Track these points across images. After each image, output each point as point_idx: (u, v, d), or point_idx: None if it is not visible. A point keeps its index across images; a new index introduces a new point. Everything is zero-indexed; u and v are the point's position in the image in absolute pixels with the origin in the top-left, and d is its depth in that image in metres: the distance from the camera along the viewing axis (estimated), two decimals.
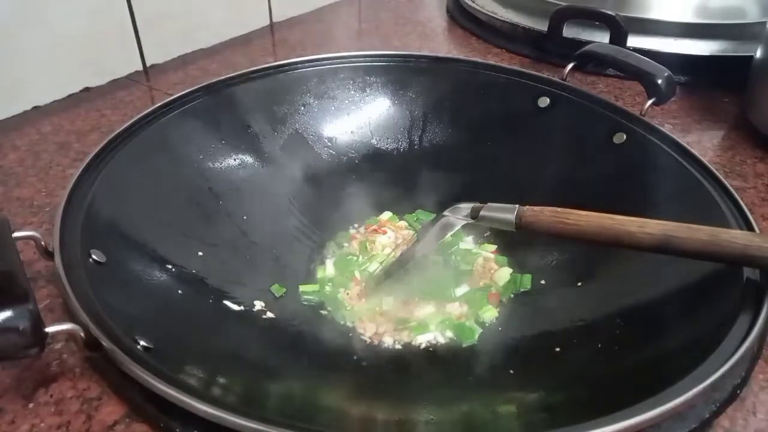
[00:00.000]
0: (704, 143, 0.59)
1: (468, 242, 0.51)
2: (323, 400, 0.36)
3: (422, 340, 0.43)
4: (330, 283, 0.47)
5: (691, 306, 0.37)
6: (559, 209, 0.41)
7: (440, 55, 0.66)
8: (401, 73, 0.61)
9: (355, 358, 0.41)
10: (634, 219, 0.38)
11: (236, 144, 0.54)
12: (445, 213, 0.45)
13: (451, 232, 0.45)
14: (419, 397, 0.37)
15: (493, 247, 0.51)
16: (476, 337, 0.43)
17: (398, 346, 0.42)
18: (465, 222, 0.44)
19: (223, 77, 0.56)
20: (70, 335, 0.32)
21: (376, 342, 0.43)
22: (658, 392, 0.29)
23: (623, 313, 0.40)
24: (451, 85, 0.60)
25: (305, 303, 0.46)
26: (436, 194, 0.54)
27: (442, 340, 0.43)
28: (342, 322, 0.44)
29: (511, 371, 0.39)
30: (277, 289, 0.46)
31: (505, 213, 0.42)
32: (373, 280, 0.47)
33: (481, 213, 0.43)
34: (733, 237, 0.36)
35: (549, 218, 0.40)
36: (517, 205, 0.42)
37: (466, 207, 0.45)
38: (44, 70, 0.62)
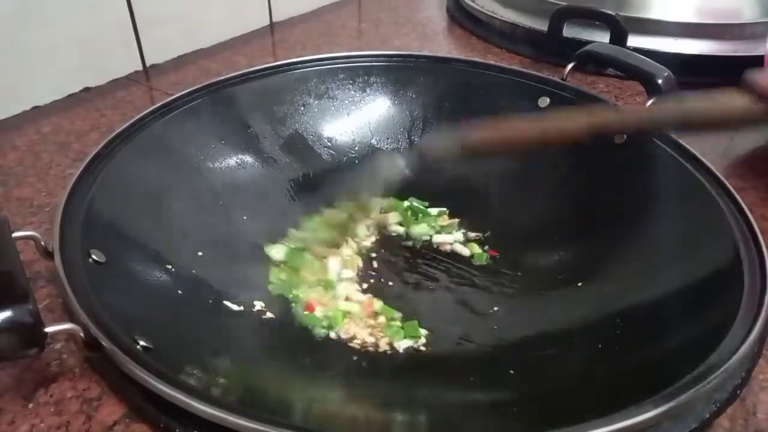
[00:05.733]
0: (704, 143, 0.59)
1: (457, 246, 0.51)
2: (323, 400, 0.36)
3: (421, 341, 0.43)
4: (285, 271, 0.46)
5: (691, 306, 0.37)
6: (494, 123, 0.42)
7: (440, 55, 0.66)
8: (401, 73, 0.61)
9: (354, 358, 0.41)
10: (559, 114, 0.42)
11: (236, 144, 0.54)
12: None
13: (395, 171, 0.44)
14: (418, 397, 0.37)
15: (488, 248, 0.50)
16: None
17: (397, 347, 0.42)
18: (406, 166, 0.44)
19: (223, 77, 0.56)
20: (69, 335, 0.32)
21: (374, 344, 0.43)
22: (658, 392, 0.29)
23: (623, 313, 0.40)
24: (451, 85, 0.60)
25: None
26: (436, 194, 0.54)
27: (440, 341, 0.43)
28: (341, 324, 0.44)
29: (511, 371, 0.39)
30: None
31: (446, 141, 0.43)
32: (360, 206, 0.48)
33: (423, 147, 0.44)
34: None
35: (490, 134, 0.42)
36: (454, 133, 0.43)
37: (393, 157, 0.45)
38: (44, 70, 0.62)
